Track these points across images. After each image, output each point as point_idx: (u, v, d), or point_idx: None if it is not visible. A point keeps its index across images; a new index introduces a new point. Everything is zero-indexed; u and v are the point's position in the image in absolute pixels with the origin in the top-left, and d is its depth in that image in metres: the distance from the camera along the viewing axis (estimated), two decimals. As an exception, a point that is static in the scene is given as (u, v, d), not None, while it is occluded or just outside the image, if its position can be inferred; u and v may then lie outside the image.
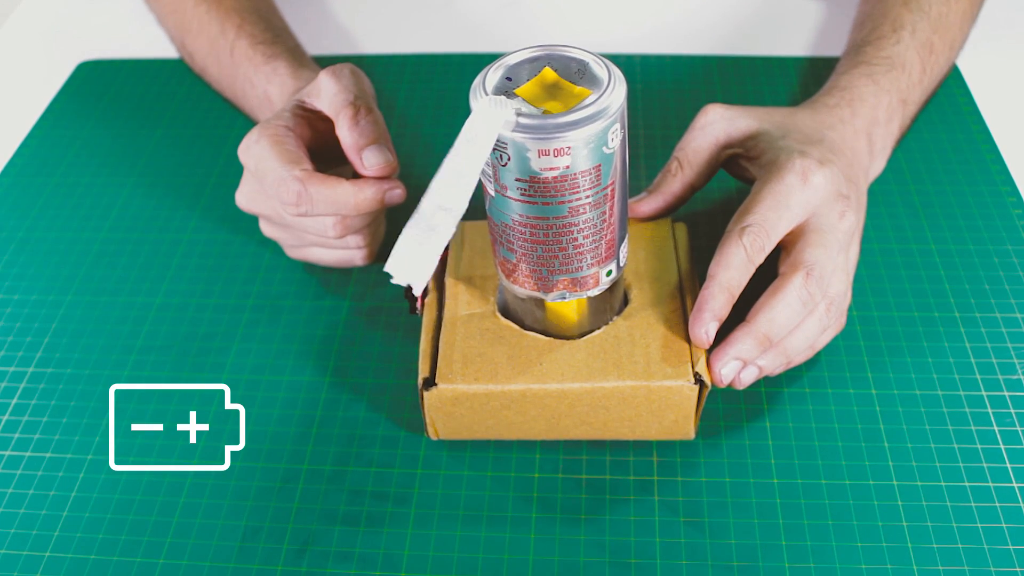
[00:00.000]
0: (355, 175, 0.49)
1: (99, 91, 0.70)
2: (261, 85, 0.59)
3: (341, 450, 0.46)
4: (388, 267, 0.37)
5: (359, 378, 0.49)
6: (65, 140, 0.66)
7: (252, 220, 0.58)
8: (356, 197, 0.47)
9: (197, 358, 0.51)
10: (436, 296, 0.47)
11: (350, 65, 0.51)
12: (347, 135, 0.48)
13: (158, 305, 0.54)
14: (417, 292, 0.38)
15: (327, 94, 0.49)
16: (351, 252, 0.52)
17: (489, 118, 0.36)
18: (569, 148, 0.37)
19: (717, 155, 0.49)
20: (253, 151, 0.48)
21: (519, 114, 0.36)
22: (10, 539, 0.44)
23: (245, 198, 0.51)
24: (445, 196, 0.37)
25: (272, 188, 0.47)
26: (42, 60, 0.74)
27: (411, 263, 0.37)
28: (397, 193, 0.48)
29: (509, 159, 0.37)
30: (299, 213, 0.47)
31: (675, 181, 0.49)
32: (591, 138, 0.37)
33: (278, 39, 0.61)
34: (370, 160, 0.47)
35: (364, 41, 0.72)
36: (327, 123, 0.51)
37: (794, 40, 0.71)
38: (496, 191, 0.39)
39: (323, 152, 0.51)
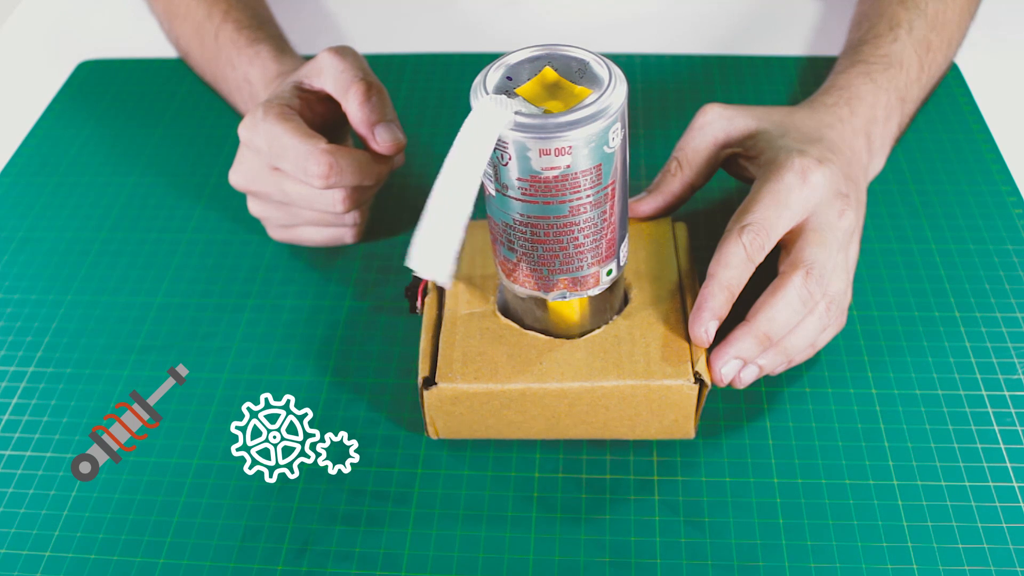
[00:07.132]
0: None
1: (99, 91, 0.70)
2: (242, 67, 0.60)
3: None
4: (410, 263, 0.37)
5: (359, 378, 0.49)
6: (65, 140, 0.66)
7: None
8: (378, 165, 0.50)
9: (197, 358, 0.51)
10: (436, 295, 0.47)
11: (347, 46, 0.51)
12: (358, 111, 0.49)
13: (158, 305, 0.54)
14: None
15: (331, 72, 0.50)
16: (344, 230, 0.54)
17: (489, 117, 0.36)
18: (570, 147, 0.37)
19: (716, 154, 0.49)
20: (261, 128, 0.49)
21: (519, 113, 0.36)
22: (10, 539, 0.44)
23: (243, 176, 0.52)
24: (449, 198, 0.37)
25: (296, 162, 0.48)
26: (42, 60, 0.74)
27: (431, 258, 0.37)
28: (400, 159, 0.53)
29: (510, 158, 0.37)
30: (328, 185, 0.48)
31: (674, 181, 0.49)
32: (592, 137, 0.37)
33: (263, 26, 0.62)
34: (383, 136, 0.49)
35: (364, 41, 0.72)
36: (324, 104, 0.52)
37: (793, 40, 0.71)
38: (497, 190, 0.39)
39: (320, 132, 0.51)
